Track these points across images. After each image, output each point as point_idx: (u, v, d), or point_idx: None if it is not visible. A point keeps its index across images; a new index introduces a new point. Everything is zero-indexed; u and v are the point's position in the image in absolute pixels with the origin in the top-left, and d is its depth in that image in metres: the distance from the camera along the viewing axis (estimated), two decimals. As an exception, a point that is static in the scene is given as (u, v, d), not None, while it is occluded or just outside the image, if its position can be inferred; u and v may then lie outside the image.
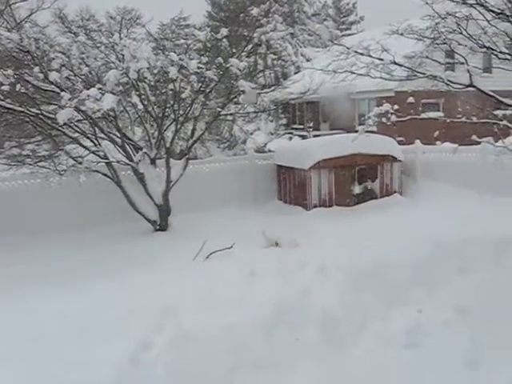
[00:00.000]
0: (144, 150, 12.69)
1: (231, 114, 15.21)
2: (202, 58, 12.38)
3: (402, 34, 10.46)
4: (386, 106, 9.85)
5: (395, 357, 5.99)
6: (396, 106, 9.89)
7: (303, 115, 33.66)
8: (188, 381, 5.66)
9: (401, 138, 19.17)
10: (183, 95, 12.35)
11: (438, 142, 19.40)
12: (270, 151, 18.25)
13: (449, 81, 9.43)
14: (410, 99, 22.48)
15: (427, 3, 9.60)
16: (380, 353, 6.13)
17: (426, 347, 6.11)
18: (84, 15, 14.41)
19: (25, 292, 8.37)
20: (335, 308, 7.05)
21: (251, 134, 25.93)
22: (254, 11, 33.98)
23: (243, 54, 13.55)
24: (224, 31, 12.78)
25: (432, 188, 14.39)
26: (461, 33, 9.45)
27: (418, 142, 15.70)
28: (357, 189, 14.46)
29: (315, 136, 26.14)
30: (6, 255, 11.00)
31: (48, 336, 6.47)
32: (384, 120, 9.83)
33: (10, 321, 7.13)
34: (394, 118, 9.82)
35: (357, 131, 12.95)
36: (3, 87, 10.71)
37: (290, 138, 28.74)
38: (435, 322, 6.60)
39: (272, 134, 29.22)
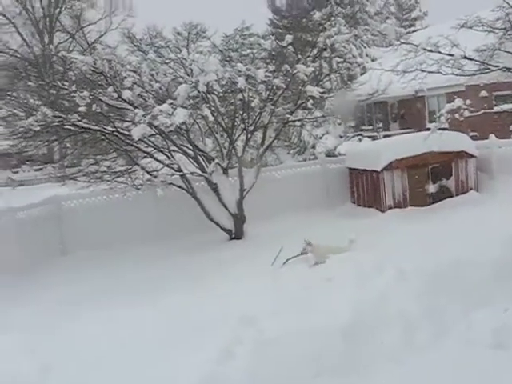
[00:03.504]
0: (216, 160, 12.92)
1: (300, 120, 15.24)
2: (269, 66, 12.50)
3: (470, 28, 10.23)
4: (458, 102, 9.66)
5: (480, 358, 5.80)
6: (468, 101, 9.67)
7: (372, 116, 33.26)
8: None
9: (474, 133, 18.64)
10: (252, 104, 12.50)
11: (514, 135, 18.74)
12: (340, 154, 18.16)
13: (523, 72, 9.17)
14: (483, 93, 21.84)
15: (496, -6, 9.37)
16: (463, 355, 5.95)
17: (513, 348, 5.91)
18: (151, 33, 14.80)
19: (113, 303, 8.70)
20: (415, 311, 6.91)
21: (320, 138, 25.86)
22: (317, 15, 33.84)
23: (308, 59, 13.56)
24: (289, 38, 12.85)
25: (510, 183, 13.89)
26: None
27: (492, 136, 15.21)
28: (431, 188, 14.15)
29: (385, 136, 25.79)
30: (88, 269, 11.45)
31: (130, 347, 6.63)
32: (457, 116, 9.63)
33: (87, 335, 7.35)
34: (466, 113, 9.60)
35: (428, 129, 12.73)
36: (80, 108, 11.21)
37: (360, 140, 28.43)
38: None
39: (341, 137, 29.02)
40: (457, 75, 10.46)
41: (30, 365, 6.33)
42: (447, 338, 6.38)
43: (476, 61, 10.15)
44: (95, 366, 6.27)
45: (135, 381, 5.80)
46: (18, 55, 30.66)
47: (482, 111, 9.79)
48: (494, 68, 9.74)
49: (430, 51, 10.23)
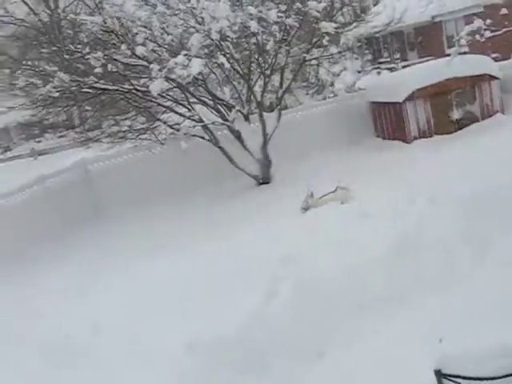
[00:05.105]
0: (236, 107, 12.85)
1: (316, 59, 14.97)
2: (280, 6, 12.22)
3: None
4: (478, 22, 9.38)
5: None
6: (488, 21, 9.39)
7: (389, 47, 32.56)
8: (315, 323, 5.82)
9: (496, 55, 18.13)
10: (267, 47, 12.32)
11: (537, 52, 18.18)
12: (360, 89, 17.87)
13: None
14: (503, 10, 21.03)
15: None
16: (504, 276, 5.97)
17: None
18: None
19: (146, 257, 8.83)
20: (453, 238, 6.91)
21: (338, 75, 25.40)
22: None
23: (319, -7, 13.19)
24: (299, -26, 12.49)
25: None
26: None
27: (515, 54, 14.81)
28: (456, 114, 13.91)
29: (404, 67, 25.27)
30: (119, 227, 11.62)
31: (172, 298, 6.80)
32: (477, 37, 9.38)
33: (127, 291, 7.53)
34: (487, 33, 9.35)
35: (447, 55, 12.44)
36: (96, 70, 11.17)
37: (379, 73, 27.88)
38: None
39: (359, 71, 28.46)
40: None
41: (79, 324, 6.53)
42: (487, 262, 6.40)
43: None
44: (141, 320, 6.43)
45: (184, 327, 5.93)
46: (27, 24, 30.42)
47: (504, 30, 9.46)
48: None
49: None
